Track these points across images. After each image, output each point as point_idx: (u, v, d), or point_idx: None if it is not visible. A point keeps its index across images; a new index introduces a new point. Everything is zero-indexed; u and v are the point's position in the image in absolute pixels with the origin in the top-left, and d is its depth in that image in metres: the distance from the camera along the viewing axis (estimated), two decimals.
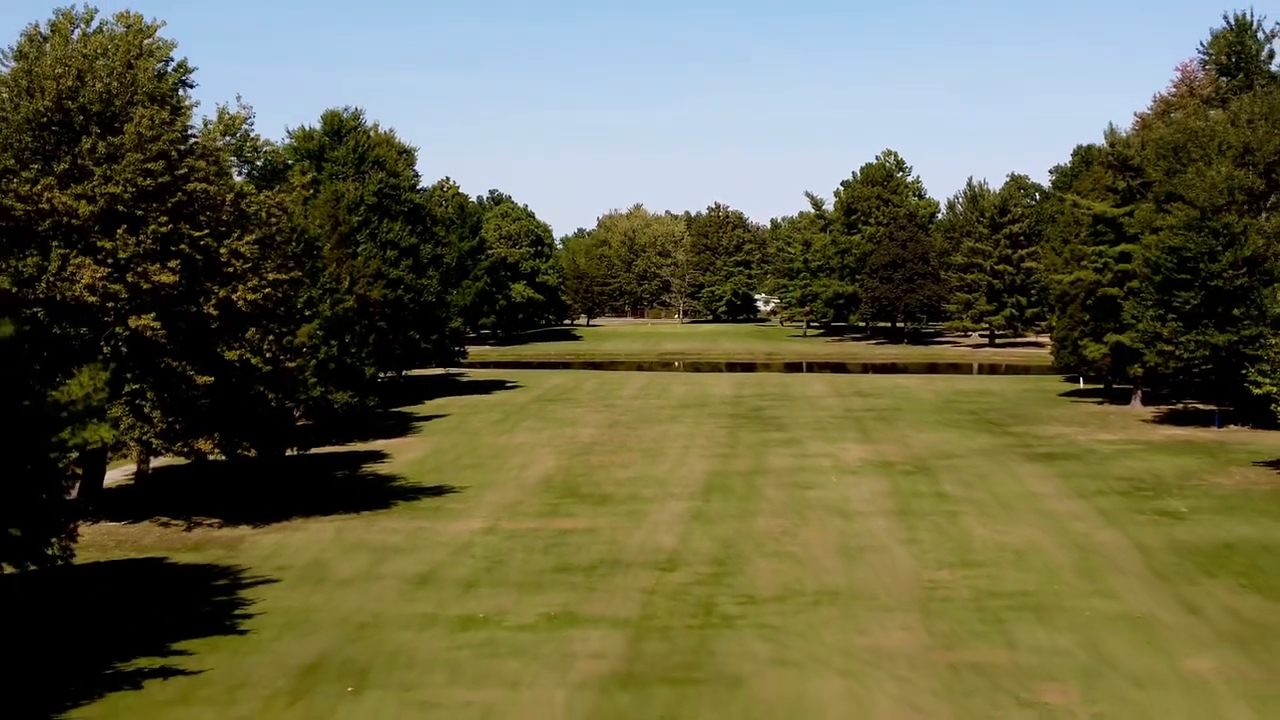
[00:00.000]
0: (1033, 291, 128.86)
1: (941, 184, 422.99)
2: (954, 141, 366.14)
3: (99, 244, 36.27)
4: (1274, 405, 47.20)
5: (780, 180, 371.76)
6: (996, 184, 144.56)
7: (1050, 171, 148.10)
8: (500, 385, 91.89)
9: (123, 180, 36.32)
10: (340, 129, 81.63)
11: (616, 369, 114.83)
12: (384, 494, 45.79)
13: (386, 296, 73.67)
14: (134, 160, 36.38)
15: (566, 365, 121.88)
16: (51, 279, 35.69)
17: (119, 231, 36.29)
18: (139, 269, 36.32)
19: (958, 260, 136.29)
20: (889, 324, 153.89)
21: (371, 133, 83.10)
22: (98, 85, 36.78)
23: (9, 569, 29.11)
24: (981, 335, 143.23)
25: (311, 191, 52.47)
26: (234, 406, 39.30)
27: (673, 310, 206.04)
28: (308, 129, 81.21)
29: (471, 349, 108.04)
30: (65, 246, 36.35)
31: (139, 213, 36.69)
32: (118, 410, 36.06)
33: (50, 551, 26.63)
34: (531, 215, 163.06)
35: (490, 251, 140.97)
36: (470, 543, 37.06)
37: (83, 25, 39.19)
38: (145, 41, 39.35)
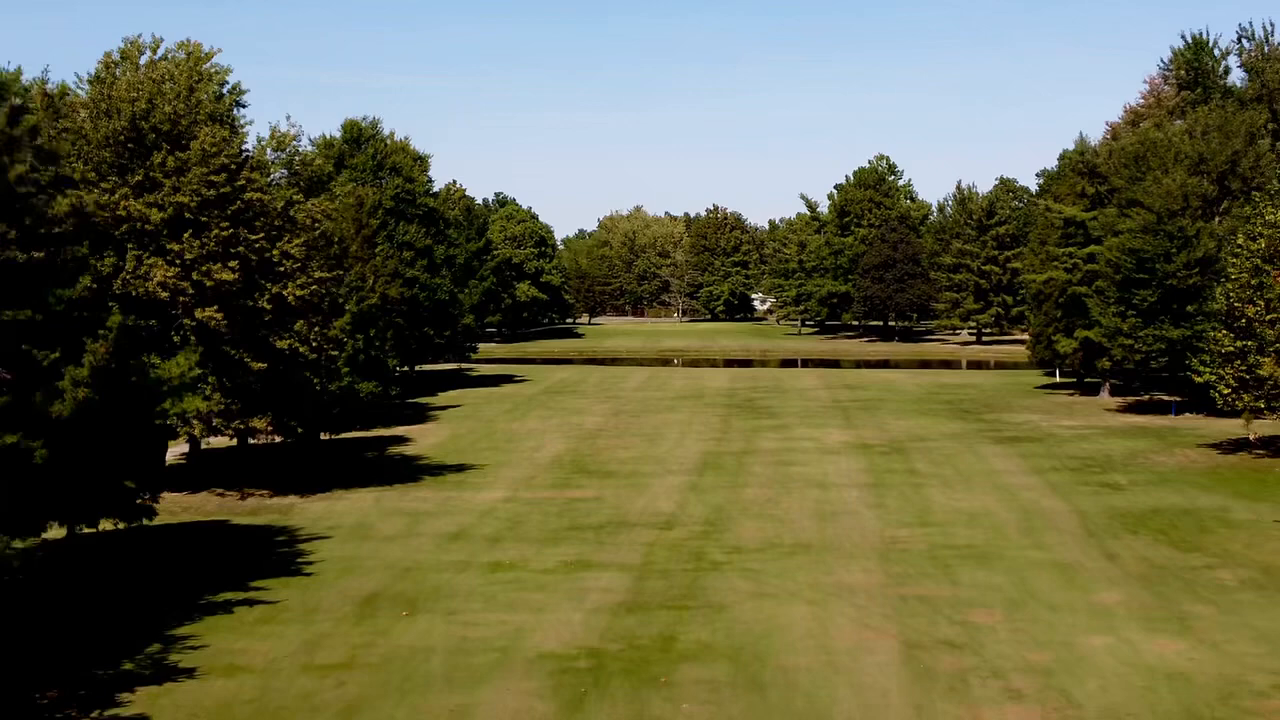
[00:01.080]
0: (1019, 291, 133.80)
1: (941, 185, 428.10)
2: (953, 143, 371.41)
3: (168, 246, 41.42)
4: (1212, 391, 52.35)
5: (779, 181, 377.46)
6: (991, 186, 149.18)
7: (1037, 175, 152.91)
8: (508, 379, 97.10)
9: (189, 191, 41.47)
10: (360, 137, 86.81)
11: (618, 365, 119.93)
12: (412, 471, 51.01)
13: (403, 294, 78.69)
14: (199, 173, 41.53)
15: (570, 361, 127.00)
16: (128, 277, 40.78)
17: (186, 235, 41.44)
18: (203, 268, 41.48)
19: (947, 261, 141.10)
20: (881, 322, 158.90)
21: (388, 140, 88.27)
22: (166, 108, 41.91)
23: (105, 525, 34.36)
24: (970, 333, 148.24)
25: (351, 199, 57.55)
26: (284, 390, 44.46)
27: (672, 309, 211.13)
28: (329, 137, 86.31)
29: (479, 346, 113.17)
30: (139, 249, 41.47)
31: (203, 219, 41.83)
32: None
33: (141, 502, 31.72)
34: (535, 217, 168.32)
35: (496, 252, 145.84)
36: (493, 508, 42.27)
37: (150, 51, 44.26)
38: (204, 67, 44.43)
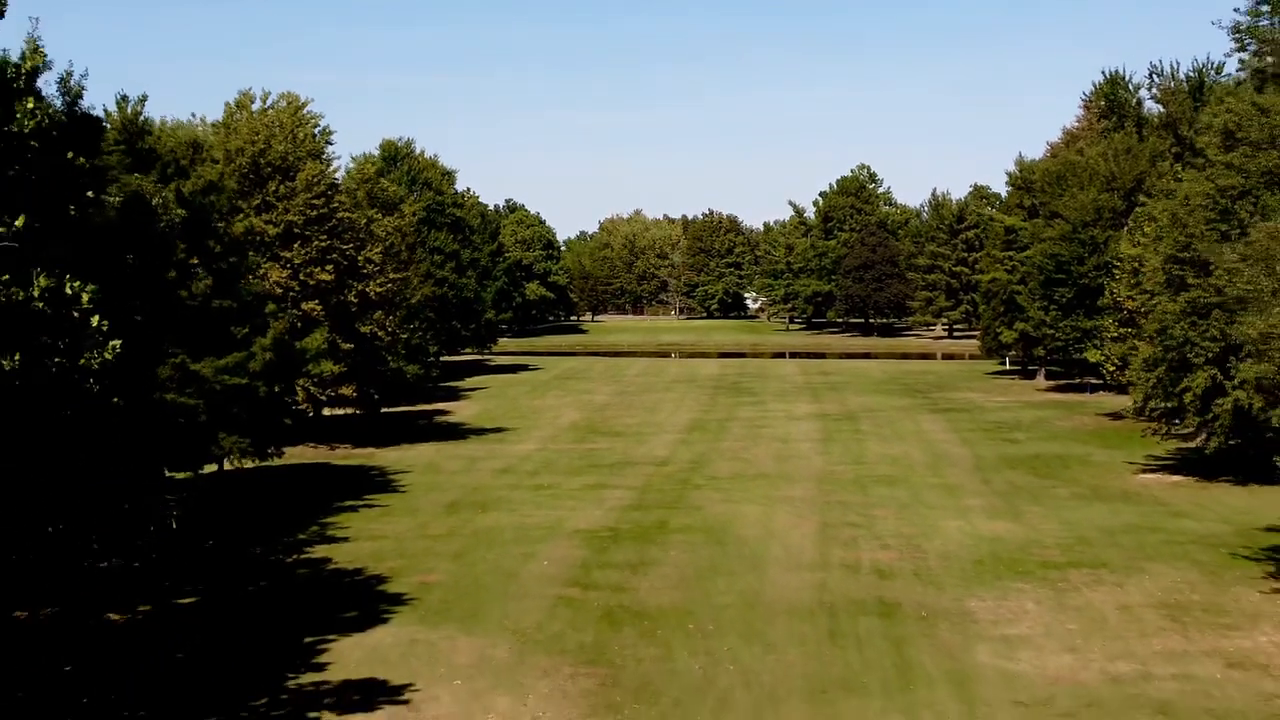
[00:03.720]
0: None
1: (938, 184, 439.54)
2: (952, 144, 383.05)
3: (281, 254, 54.13)
4: (1101, 369, 65.05)
5: (777, 183, 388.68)
6: (966, 193, 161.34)
7: (1006, 184, 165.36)
8: (524, 368, 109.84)
9: (296, 211, 54.21)
10: (396, 155, 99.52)
11: (621, 356, 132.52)
12: (459, 432, 63.76)
13: (435, 293, 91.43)
14: (303, 198, 54.27)
15: (576, 354, 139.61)
16: (250, 276, 53.41)
17: (294, 246, 54.18)
18: (307, 271, 54.21)
19: (921, 262, 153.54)
20: (862, 319, 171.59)
21: (420, 158, 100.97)
22: (279, 147, 54.62)
23: (248, 464, 46.97)
24: (943, 328, 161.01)
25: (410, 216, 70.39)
26: (364, 366, 57.16)
27: (669, 308, 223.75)
28: (368, 155, 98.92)
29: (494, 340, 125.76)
30: (257, 255, 54.12)
31: (307, 233, 54.56)
32: None
33: (270, 450, 44.35)
34: (543, 222, 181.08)
35: (508, 255, 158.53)
36: (529, 455, 55.06)
37: (260, 100, 57.00)
38: (302, 113, 57.14)
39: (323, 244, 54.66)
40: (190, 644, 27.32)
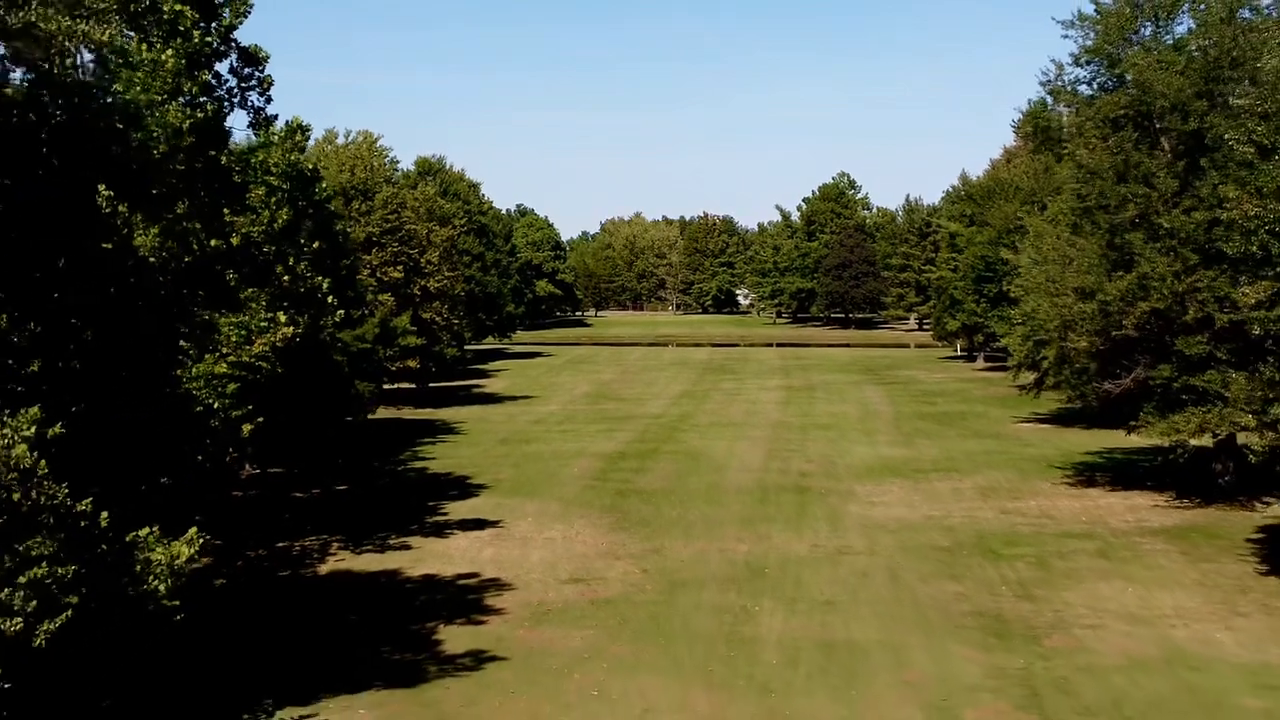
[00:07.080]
0: None
1: (929, 186, 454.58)
2: (940, 147, 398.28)
3: (362, 257, 70.11)
4: (1007, 349, 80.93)
5: (773, 183, 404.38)
6: (939, 198, 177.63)
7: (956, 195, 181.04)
8: (538, 354, 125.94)
9: (374, 224, 70.22)
10: (429, 169, 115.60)
11: (623, 346, 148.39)
12: (495, 399, 79.89)
13: (466, 289, 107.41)
14: (381, 214, 70.31)
15: (583, 344, 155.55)
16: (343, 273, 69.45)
17: (373, 250, 70.20)
18: (382, 270, 70.23)
19: (895, 262, 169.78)
20: (843, 314, 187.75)
21: (450, 171, 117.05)
22: (360, 174, 70.67)
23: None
24: (915, 321, 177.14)
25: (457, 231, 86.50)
26: (425, 345, 73.20)
27: (667, 304, 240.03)
28: (405, 170, 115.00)
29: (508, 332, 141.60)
30: (343, 259, 70.12)
31: (383, 241, 70.58)
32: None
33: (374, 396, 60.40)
34: (550, 225, 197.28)
35: (520, 255, 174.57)
36: (554, 412, 71.19)
37: (344, 135, 73.11)
38: (376, 145, 73.17)
39: (394, 249, 70.68)
40: (355, 507, 43.42)
